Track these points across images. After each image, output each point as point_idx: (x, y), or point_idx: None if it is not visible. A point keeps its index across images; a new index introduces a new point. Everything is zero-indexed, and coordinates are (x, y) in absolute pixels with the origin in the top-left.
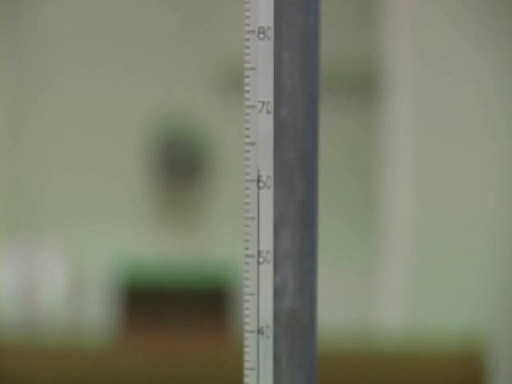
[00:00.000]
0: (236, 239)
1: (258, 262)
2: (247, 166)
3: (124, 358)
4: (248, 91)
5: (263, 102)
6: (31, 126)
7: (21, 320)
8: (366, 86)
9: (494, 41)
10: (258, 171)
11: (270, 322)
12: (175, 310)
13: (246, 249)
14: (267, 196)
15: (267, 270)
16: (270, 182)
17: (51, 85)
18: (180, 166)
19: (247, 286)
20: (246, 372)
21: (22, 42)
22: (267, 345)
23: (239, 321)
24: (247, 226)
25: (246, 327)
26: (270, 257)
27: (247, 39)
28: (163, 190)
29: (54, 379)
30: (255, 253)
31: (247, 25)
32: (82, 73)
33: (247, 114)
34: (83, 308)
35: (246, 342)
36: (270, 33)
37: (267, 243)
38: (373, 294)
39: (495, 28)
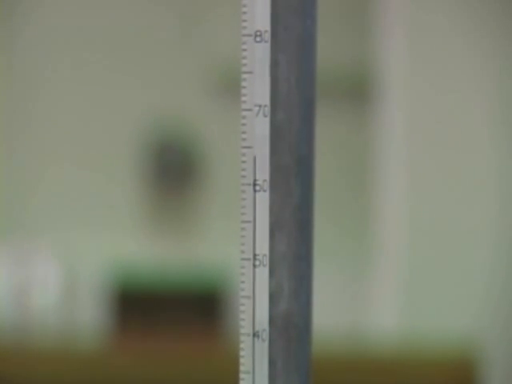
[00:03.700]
0: (229, 243)
1: (254, 266)
2: (243, 169)
3: (117, 362)
4: (245, 94)
5: (260, 106)
6: (24, 129)
7: (13, 323)
8: (360, 91)
9: (491, 45)
10: (255, 175)
11: (266, 326)
12: (168, 313)
13: (242, 252)
14: (263, 199)
15: (263, 273)
16: (266, 186)
17: (45, 88)
18: (174, 170)
19: (243, 290)
20: (241, 375)
21: (16, 46)
22: (263, 348)
23: (232, 324)
24: (243, 229)
25: (242, 330)
26: (266, 260)
27: (244, 42)
28: (157, 193)
29: (47, 383)
30: (251, 256)
31: (244, 28)
32: (75, 76)
33: (244, 117)
34: (76, 311)
35: (242, 346)
36: (267, 36)
37: (263, 247)
38: (367, 299)
39: (492, 33)
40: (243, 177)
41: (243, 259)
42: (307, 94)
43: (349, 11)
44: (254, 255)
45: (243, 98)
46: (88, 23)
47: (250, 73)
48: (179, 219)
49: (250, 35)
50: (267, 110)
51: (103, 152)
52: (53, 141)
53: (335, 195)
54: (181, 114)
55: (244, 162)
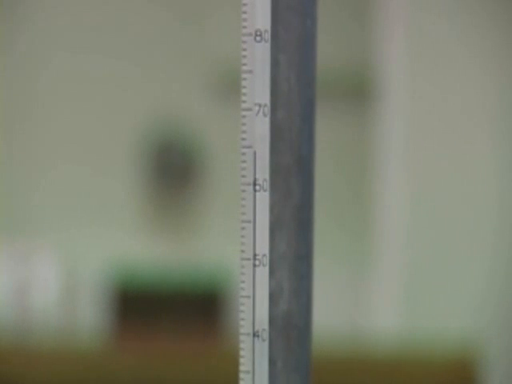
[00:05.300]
0: (229, 243)
1: (254, 265)
2: (244, 168)
3: (117, 362)
4: (245, 94)
5: (260, 105)
6: (25, 129)
7: (14, 323)
8: (360, 91)
9: (490, 46)
10: (255, 174)
11: (266, 325)
12: (168, 313)
13: (242, 252)
14: (263, 199)
15: (263, 273)
16: (267, 186)
17: (46, 88)
18: (174, 169)
19: (243, 289)
20: (241, 375)
21: (16, 45)
22: (263, 348)
23: (233, 324)
24: (243, 229)
25: (242, 330)
26: (266, 260)
27: (244, 42)
28: (157, 193)
29: (47, 382)
30: (251, 256)
31: (244, 27)
32: (77, 77)
33: (244, 116)
34: (76, 311)
35: (242, 345)
36: (267, 36)
37: (263, 246)
38: (367, 299)
39: (491, 33)
40: (243, 176)
41: (243, 259)
42: (307, 94)
43: (349, 11)
44: (254, 255)
45: (243, 98)
46: (89, 24)
47: (250, 72)
48: (179, 219)
49: (250, 35)
50: (267, 109)
51: (104, 152)
52: (53, 140)
53: (336, 195)
54: (181, 113)
55: (244, 161)
